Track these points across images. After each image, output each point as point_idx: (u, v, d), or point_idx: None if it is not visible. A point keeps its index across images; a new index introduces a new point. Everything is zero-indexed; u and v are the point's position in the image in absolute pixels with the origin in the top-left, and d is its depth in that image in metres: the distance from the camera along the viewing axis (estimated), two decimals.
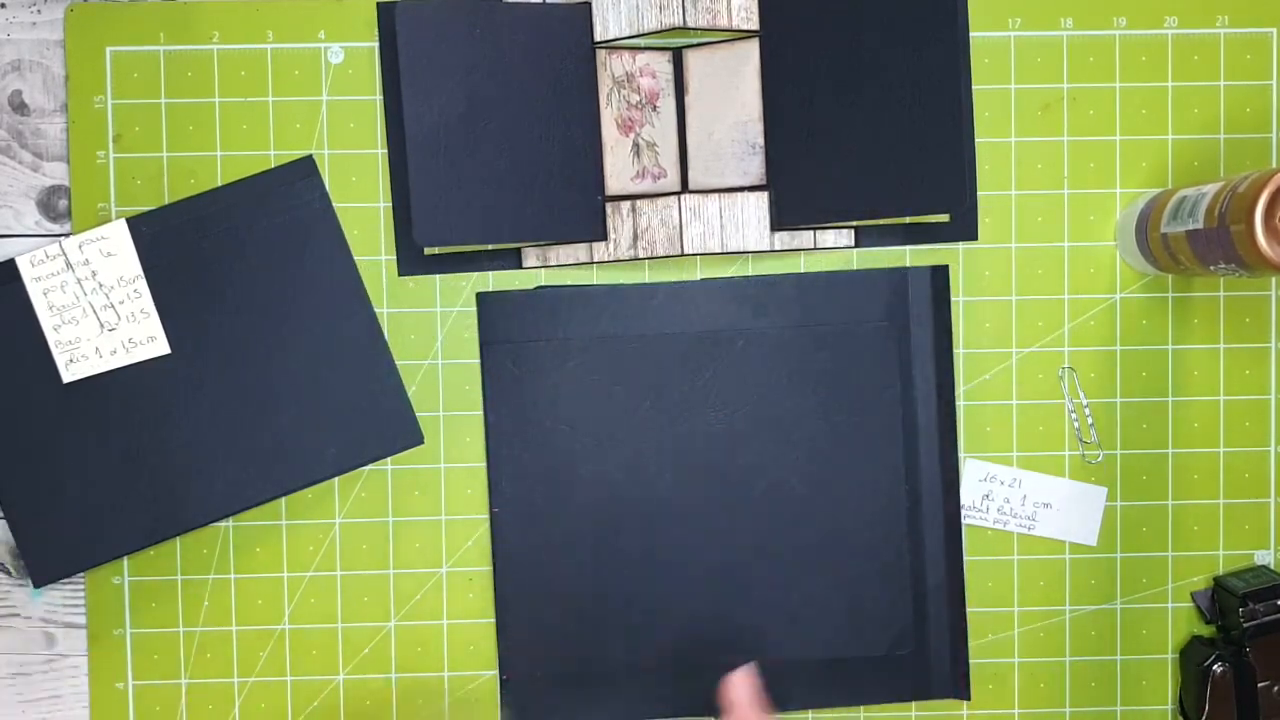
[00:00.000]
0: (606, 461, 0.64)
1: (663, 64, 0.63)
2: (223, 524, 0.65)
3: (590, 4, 0.62)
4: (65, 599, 0.65)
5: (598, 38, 0.62)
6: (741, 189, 0.63)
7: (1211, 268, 0.58)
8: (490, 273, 0.65)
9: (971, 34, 0.65)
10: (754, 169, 0.63)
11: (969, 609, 0.65)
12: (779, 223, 0.63)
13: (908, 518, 0.64)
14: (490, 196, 0.62)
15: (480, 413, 0.65)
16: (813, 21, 0.62)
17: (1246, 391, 0.66)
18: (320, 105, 0.65)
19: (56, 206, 0.65)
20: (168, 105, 0.64)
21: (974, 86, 0.65)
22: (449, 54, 0.61)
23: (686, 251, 0.62)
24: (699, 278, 0.65)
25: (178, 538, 0.64)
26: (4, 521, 0.65)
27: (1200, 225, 0.57)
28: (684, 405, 0.64)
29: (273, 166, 0.64)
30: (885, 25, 0.61)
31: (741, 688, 0.57)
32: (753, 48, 0.63)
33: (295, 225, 0.64)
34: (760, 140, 0.63)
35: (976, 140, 0.65)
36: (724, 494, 0.64)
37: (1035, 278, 0.65)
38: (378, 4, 0.64)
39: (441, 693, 0.66)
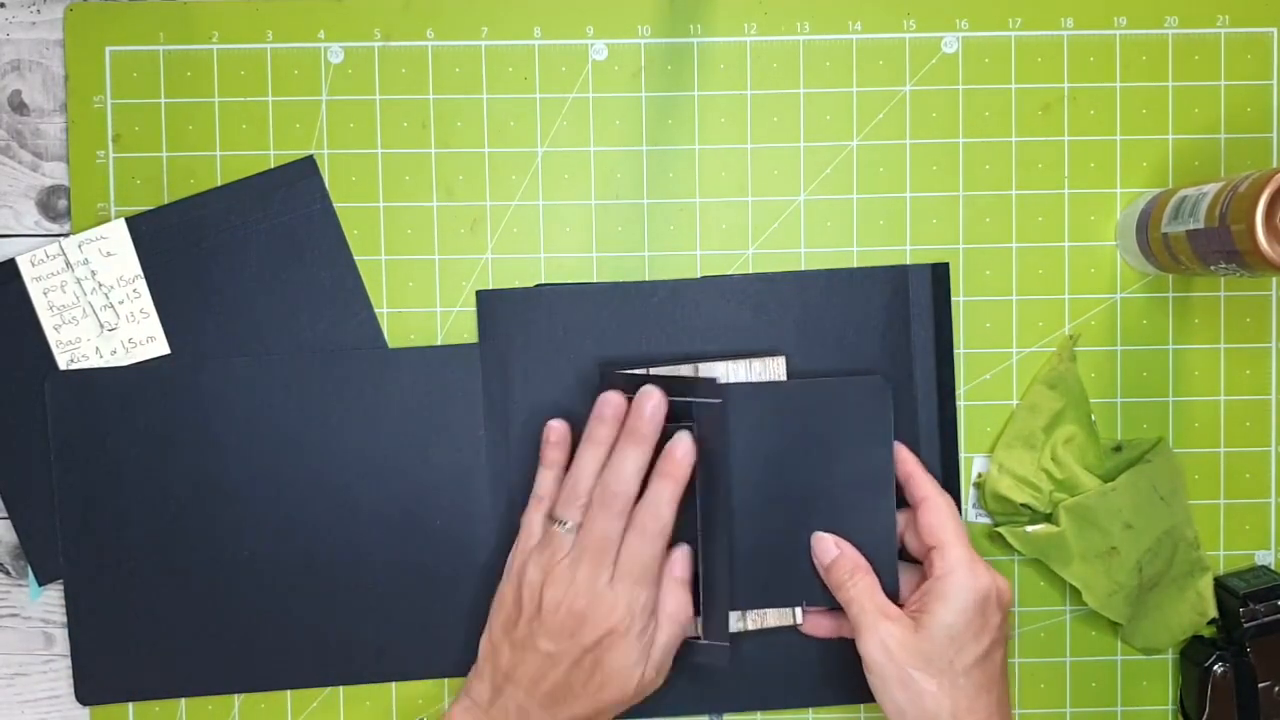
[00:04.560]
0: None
1: None
2: None
3: None
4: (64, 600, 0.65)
5: None
6: None
7: (1212, 267, 0.58)
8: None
9: (972, 34, 0.65)
10: None
11: None
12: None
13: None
14: None
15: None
16: None
17: (1246, 391, 0.66)
18: (320, 105, 0.65)
19: (56, 206, 0.65)
20: (167, 105, 0.64)
21: (974, 86, 0.65)
22: None
23: None
24: (699, 276, 0.65)
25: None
26: (5, 521, 0.65)
27: (1201, 225, 0.57)
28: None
29: (273, 166, 0.64)
30: None
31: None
32: None
33: (295, 225, 0.64)
34: None
35: (977, 140, 0.65)
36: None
37: (1035, 278, 0.65)
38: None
39: (442, 694, 0.65)
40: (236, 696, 0.65)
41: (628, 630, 0.58)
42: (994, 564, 0.66)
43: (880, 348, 0.64)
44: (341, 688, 0.65)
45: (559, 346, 0.64)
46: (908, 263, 0.65)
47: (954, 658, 0.56)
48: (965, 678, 0.56)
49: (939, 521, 0.59)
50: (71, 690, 0.65)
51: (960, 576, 0.57)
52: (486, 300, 0.64)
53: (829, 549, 0.61)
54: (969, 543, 0.59)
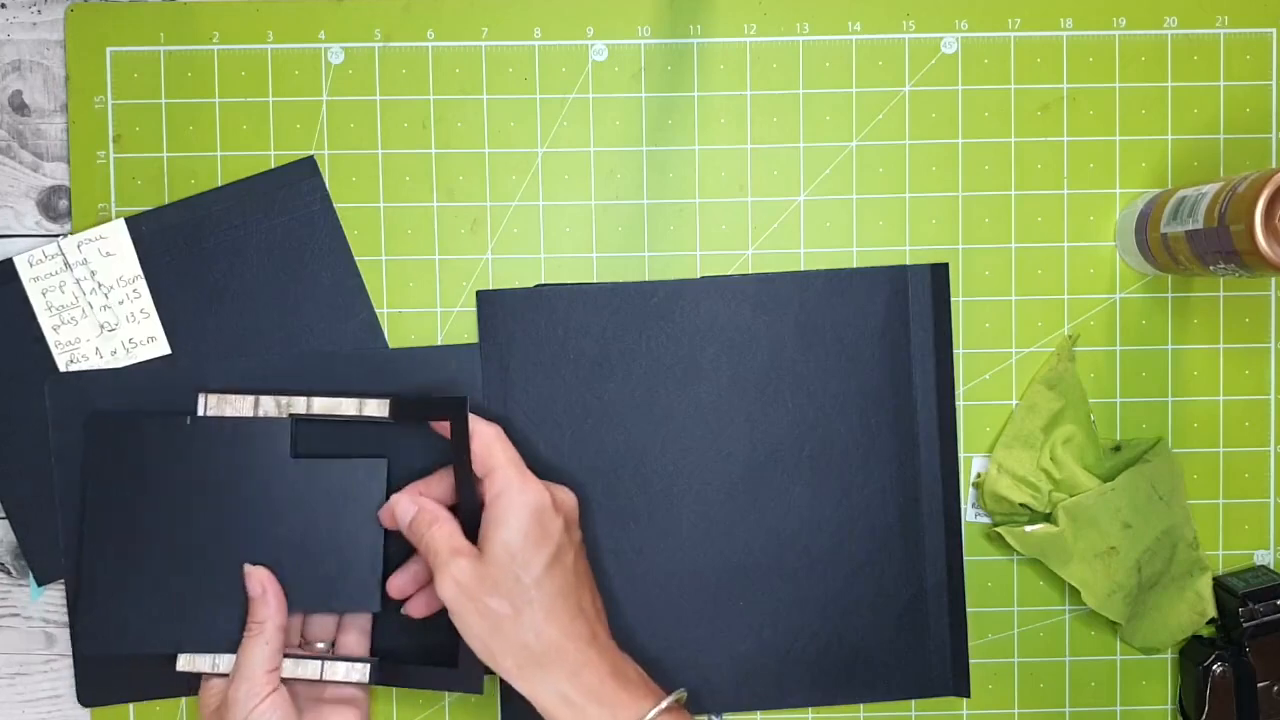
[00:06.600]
0: (604, 459, 0.64)
1: None
2: None
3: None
4: (66, 599, 0.65)
5: None
6: None
7: (1211, 268, 0.58)
8: None
9: (971, 34, 0.65)
10: None
11: (969, 609, 0.65)
12: None
13: (908, 517, 0.64)
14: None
15: None
16: None
17: (1246, 391, 0.66)
18: (320, 105, 0.65)
19: (57, 207, 0.65)
20: (168, 105, 0.64)
21: (974, 87, 0.65)
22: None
23: None
24: (699, 276, 0.65)
25: None
26: (4, 521, 0.65)
27: (1200, 225, 0.57)
28: (682, 404, 0.64)
29: (273, 167, 0.64)
30: None
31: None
32: None
33: (295, 225, 0.64)
34: None
35: (976, 141, 0.65)
36: (721, 492, 0.64)
37: (1035, 278, 0.65)
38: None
39: (442, 693, 0.65)
40: None
41: None
42: (993, 564, 0.66)
43: (879, 348, 0.64)
44: None
45: (559, 346, 0.64)
46: (907, 263, 0.65)
47: (519, 573, 0.56)
48: (537, 589, 0.56)
49: (484, 450, 0.58)
50: (72, 690, 0.65)
51: (510, 495, 0.57)
52: (486, 300, 0.64)
53: (406, 508, 0.60)
54: (521, 464, 0.59)
